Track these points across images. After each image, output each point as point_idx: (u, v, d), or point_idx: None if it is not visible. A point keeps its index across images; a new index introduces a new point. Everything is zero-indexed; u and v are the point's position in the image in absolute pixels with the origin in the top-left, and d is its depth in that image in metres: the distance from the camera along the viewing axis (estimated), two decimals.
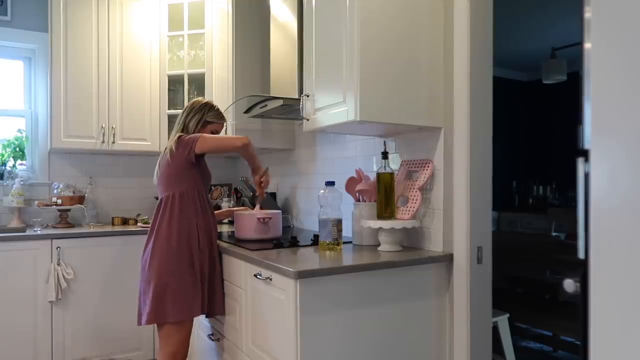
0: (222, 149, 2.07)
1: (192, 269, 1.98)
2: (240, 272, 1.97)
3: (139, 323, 2.01)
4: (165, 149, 2.08)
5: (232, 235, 2.40)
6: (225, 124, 2.25)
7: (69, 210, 3.14)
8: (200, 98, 2.21)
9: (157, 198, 2.14)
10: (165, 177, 2.05)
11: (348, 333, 1.61)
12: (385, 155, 1.92)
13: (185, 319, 1.97)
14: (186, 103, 3.24)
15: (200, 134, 2.05)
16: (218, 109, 2.19)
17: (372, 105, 1.73)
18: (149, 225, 2.13)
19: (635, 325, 0.77)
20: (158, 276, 1.94)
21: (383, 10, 1.76)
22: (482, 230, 1.83)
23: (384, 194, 1.89)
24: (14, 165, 3.22)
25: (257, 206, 2.33)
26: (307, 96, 2.03)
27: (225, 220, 3.25)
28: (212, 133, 2.16)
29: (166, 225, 1.99)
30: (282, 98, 2.27)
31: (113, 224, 3.26)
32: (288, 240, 2.10)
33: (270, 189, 3.24)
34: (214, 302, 2.07)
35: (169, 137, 2.18)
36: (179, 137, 2.04)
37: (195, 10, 3.23)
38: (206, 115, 2.13)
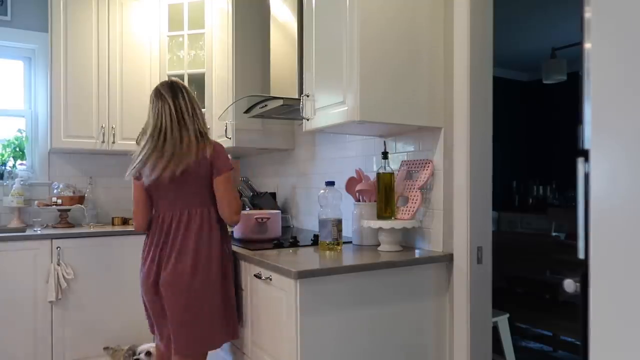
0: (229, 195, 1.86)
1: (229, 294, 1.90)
2: (240, 272, 1.97)
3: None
4: (193, 151, 1.79)
5: (231, 235, 2.40)
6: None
7: (69, 210, 3.14)
8: (176, 80, 1.94)
9: None
10: (202, 186, 1.82)
11: (348, 333, 1.61)
12: (385, 155, 1.92)
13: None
14: None
15: (233, 167, 1.86)
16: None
17: (372, 105, 1.73)
18: None
19: (635, 325, 0.77)
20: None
21: (383, 10, 1.76)
22: (482, 230, 1.83)
23: (384, 194, 1.89)
24: (14, 165, 3.22)
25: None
26: (307, 96, 2.03)
27: None
28: None
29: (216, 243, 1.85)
30: (282, 98, 2.27)
31: (113, 224, 3.26)
32: (288, 240, 2.10)
33: (271, 189, 3.24)
34: None
35: (184, 133, 1.82)
36: (217, 146, 1.85)
37: (195, 10, 3.23)
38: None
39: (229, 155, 1.89)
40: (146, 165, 1.80)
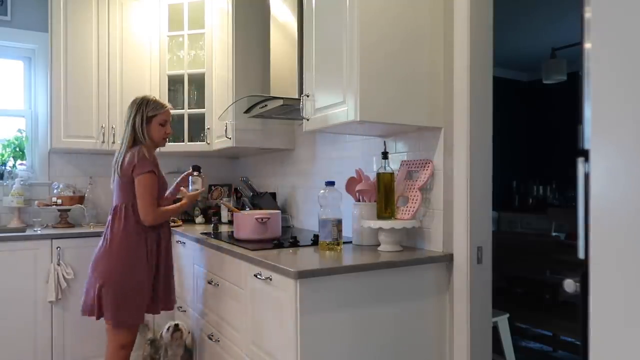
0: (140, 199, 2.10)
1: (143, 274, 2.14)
2: (240, 272, 1.97)
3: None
4: (122, 154, 2.11)
5: (231, 235, 2.40)
6: (168, 109, 2.25)
7: (69, 210, 3.14)
8: (138, 96, 2.22)
9: None
10: (120, 186, 2.13)
11: (348, 333, 1.61)
12: (385, 155, 1.92)
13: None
14: (186, 103, 3.25)
15: (144, 173, 2.06)
16: (155, 99, 2.21)
17: (372, 105, 1.73)
18: None
19: (635, 325, 0.77)
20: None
21: (383, 10, 1.76)
22: (482, 230, 1.83)
23: (384, 194, 1.89)
24: (14, 165, 3.22)
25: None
26: (307, 96, 2.03)
27: (225, 220, 3.25)
28: (161, 125, 2.19)
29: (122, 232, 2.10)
30: (282, 98, 2.27)
31: None
32: (288, 240, 2.10)
33: (271, 189, 3.24)
34: None
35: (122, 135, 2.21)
36: (139, 153, 2.07)
37: (195, 10, 3.23)
38: (146, 112, 2.15)
39: (146, 161, 2.08)
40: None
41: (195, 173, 2.38)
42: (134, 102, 2.18)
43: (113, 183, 2.18)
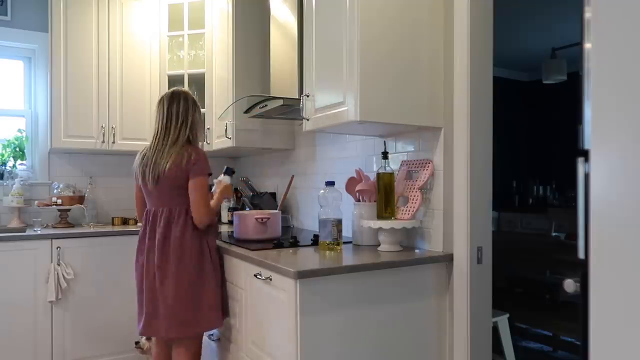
0: (197, 201, 1.95)
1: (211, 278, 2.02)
2: (240, 272, 1.97)
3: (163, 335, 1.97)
4: (167, 154, 1.95)
5: (231, 235, 2.40)
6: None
7: (69, 210, 3.14)
8: (186, 90, 2.09)
9: None
10: (177, 187, 1.95)
11: (348, 333, 1.61)
12: (385, 155, 1.92)
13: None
14: None
15: (205, 175, 1.95)
16: None
17: (372, 105, 1.73)
18: None
19: (635, 326, 0.77)
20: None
21: (383, 10, 1.76)
22: (482, 230, 1.83)
23: (384, 194, 1.89)
24: (14, 165, 3.22)
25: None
26: (307, 96, 2.03)
27: (225, 220, 3.25)
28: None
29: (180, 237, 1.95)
30: (282, 98, 2.27)
31: (113, 224, 3.26)
32: (288, 240, 2.10)
33: (271, 189, 3.24)
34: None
35: (169, 132, 2.01)
36: (201, 153, 1.96)
37: (195, 10, 3.23)
38: (199, 110, 2.10)
39: (209, 164, 2.01)
40: (137, 170, 2.07)
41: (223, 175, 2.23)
42: (183, 95, 2.02)
43: (151, 185, 1.98)
